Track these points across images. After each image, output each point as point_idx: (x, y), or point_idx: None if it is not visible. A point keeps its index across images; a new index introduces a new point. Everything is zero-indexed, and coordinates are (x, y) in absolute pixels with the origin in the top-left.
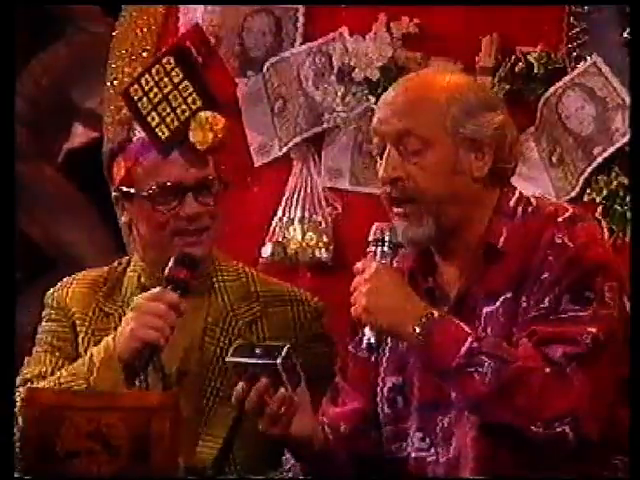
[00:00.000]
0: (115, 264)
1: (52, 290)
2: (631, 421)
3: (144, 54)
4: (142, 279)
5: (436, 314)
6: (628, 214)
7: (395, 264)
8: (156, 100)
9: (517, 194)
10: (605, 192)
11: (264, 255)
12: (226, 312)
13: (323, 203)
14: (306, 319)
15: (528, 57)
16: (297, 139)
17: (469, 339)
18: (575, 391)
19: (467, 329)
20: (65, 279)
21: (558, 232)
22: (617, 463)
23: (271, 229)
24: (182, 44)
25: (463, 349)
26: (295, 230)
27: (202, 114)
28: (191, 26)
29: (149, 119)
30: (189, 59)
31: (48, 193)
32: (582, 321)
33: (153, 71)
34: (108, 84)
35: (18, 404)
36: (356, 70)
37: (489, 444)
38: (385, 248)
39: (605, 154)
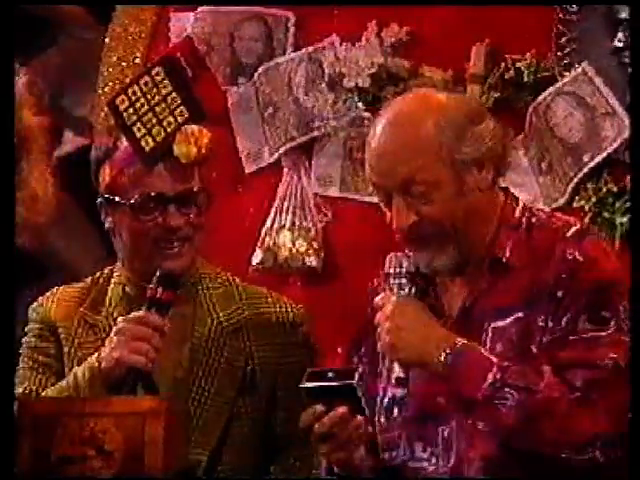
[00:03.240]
0: (97, 275)
1: (35, 304)
2: (631, 420)
3: (135, 61)
4: (127, 289)
5: (460, 343)
6: (618, 220)
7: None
8: (142, 111)
9: (521, 205)
10: (594, 199)
11: (254, 262)
12: (211, 320)
13: (313, 210)
14: (289, 326)
15: (518, 65)
16: (287, 146)
17: (493, 369)
18: (602, 415)
19: (492, 358)
20: (47, 293)
21: (568, 248)
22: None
23: (261, 236)
24: (172, 56)
25: (486, 382)
26: (285, 237)
27: (188, 128)
28: (182, 38)
29: (134, 129)
30: (179, 71)
31: None
32: (601, 343)
33: (141, 82)
34: (99, 91)
35: None
36: (347, 78)
37: (490, 453)
38: (403, 280)
39: (594, 161)
